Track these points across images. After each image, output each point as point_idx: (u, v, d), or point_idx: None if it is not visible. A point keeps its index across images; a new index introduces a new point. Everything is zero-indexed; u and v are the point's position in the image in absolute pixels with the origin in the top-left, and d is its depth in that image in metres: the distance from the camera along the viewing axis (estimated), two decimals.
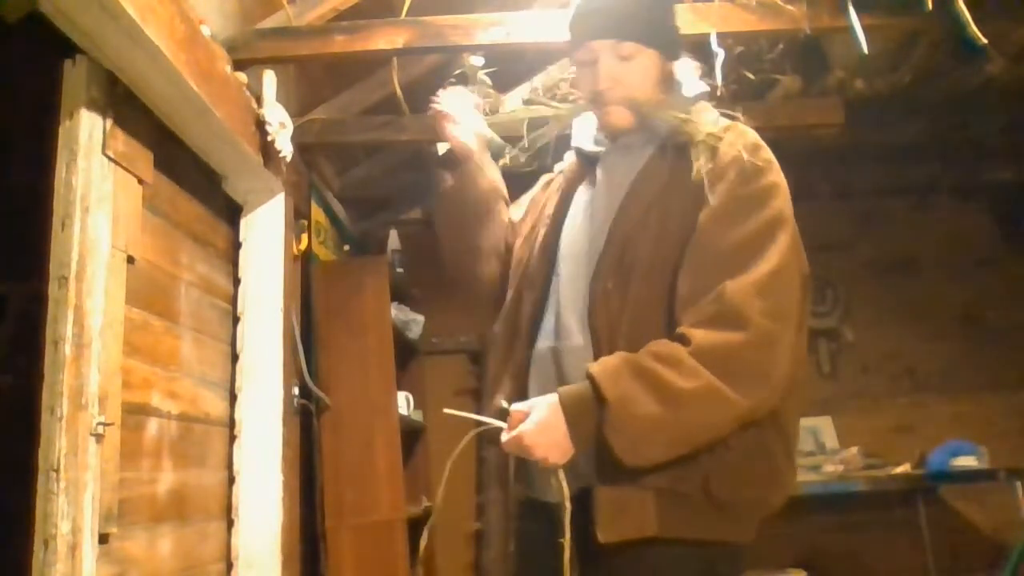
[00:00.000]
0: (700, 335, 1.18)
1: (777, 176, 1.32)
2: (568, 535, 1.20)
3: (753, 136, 1.36)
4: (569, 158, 1.59)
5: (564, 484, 1.21)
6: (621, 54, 1.39)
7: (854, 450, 3.57)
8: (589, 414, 1.18)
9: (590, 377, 1.20)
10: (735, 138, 1.34)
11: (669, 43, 1.43)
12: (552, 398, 1.22)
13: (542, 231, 1.48)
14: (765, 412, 1.23)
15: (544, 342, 1.37)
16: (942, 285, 4.02)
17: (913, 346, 3.96)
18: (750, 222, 1.25)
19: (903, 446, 3.67)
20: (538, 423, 1.20)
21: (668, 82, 1.44)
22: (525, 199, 1.65)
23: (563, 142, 1.63)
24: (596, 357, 1.25)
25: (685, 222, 1.28)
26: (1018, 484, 3.23)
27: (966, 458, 3.42)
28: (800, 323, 1.27)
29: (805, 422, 3.80)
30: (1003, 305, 3.99)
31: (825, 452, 3.71)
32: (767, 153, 1.34)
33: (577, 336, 1.32)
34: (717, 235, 1.25)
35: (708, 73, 2.60)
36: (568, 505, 1.21)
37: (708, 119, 1.40)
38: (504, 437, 1.24)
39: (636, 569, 1.22)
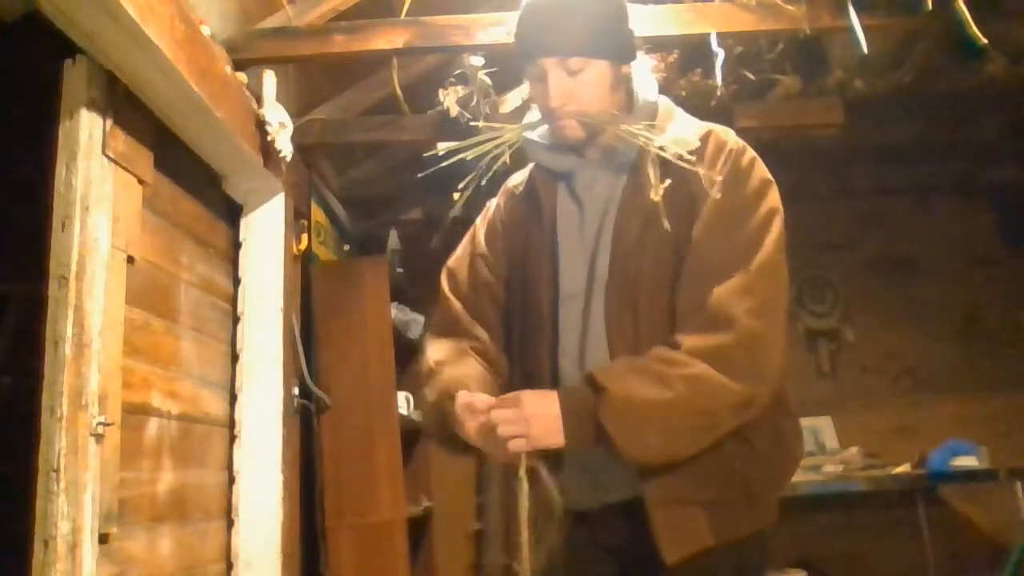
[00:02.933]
0: (689, 340, 1.21)
1: (763, 173, 1.32)
2: (525, 505, 1.21)
3: (734, 139, 1.35)
4: (524, 174, 1.52)
5: (522, 468, 1.21)
6: (570, 69, 1.33)
7: (854, 450, 3.57)
8: (585, 402, 1.18)
9: (588, 374, 1.21)
10: (717, 144, 1.33)
11: (619, 50, 1.37)
12: (550, 390, 1.24)
13: (537, 269, 1.40)
14: (760, 405, 1.24)
15: (568, 382, 1.32)
16: (942, 285, 4.01)
17: (913, 346, 3.96)
18: (742, 230, 1.26)
19: (903, 446, 3.66)
20: (532, 396, 1.21)
21: (623, 86, 1.40)
22: (484, 225, 1.54)
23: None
24: None
25: (680, 239, 1.28)
26: (1018, 484, 3.23)
27: (966, 458, 3.41)
28: (785, 341, 1.29)
29: (805, 422, 3.79)
30: (1003, 305, 3.99)
31: (825, 452, 3.71)
32: (750, 153, 1.34)
33: None
34: (710, 247, 1.26)
35: (708, 73, 2.63)
36: (524, 479, 1.21)
37: (681, 129, 1.36)
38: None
39: (682, 569, 1.25)
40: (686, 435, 1.21)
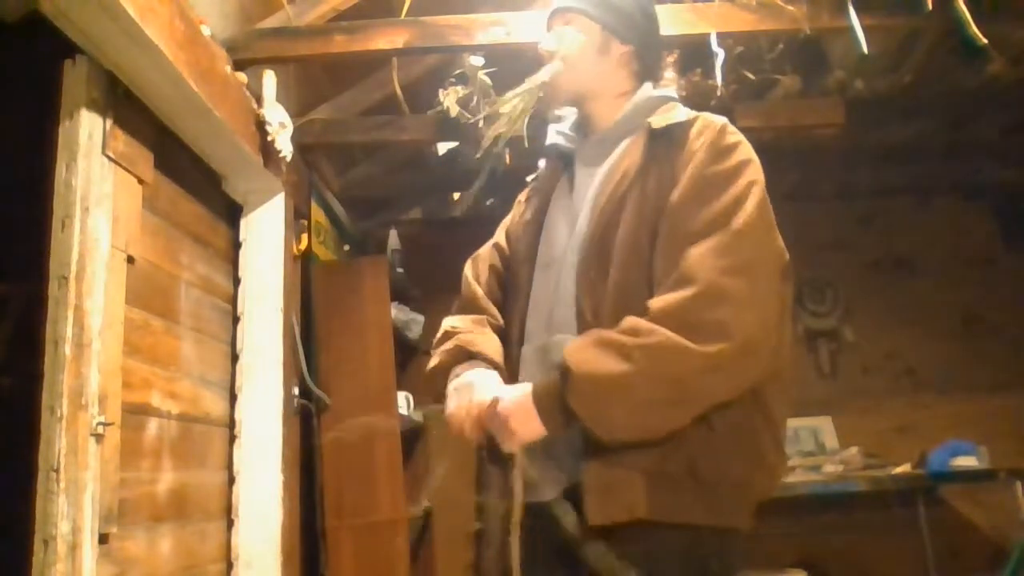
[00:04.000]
0: (656, 301, 1.22)
1: (746, 154, 1.34)
2: (516, 533, 1.26)
3: (721, 120, 1.39)
4: (542, 164, 1.63)
5: (519, 475, 1.27)
6: (566, 21, 1.49)
7: (854, 450, 3.57)
8: (554, 387, 1.22)
9: (561, 358, 1.24)
10: (704, 123, 1.38)
11: (615, 21, 1.48)
12: (528, 383, 1.29)
13: (525, 236, 1.51)
14: (735, 370, 1.21)
15: (533, 340, 1.40)
16: (942, 285, 4.01)
17: (913, 346, 3.96)
18: (719, 200, 1.27)
19: (903, 446, 3.67)
20: (511, 397, 1.27)
21: (622, 65, 1.49)
22: (507, 219, 1.65)
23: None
24: None
25: (659, 204, 1.31)
26: (1018, 484, 3.23)
27: (966, 458, 3.41)
28: (780, 297, 1.28)
29: (805, 422, 3.81)
30: (1003, 305, 3.99)
31: (825, 452, 3.71)
32: (736, 135, 1.37)
33: (564, 330, 1.34)
34: (687, 214, 1.28)
35: (708, 73, 2.63)
36: (519, 500, 1.26)
37: (674, 111, 1.44)
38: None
39: (627, 552, 1.22)
40: (654, 408, 1.20)
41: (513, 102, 1.57)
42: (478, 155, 1.94)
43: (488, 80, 2.72)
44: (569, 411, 1.20)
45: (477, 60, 2.68)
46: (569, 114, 1.58)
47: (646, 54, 1.52)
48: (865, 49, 2.30)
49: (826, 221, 4.04)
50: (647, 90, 1.49)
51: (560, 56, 1.48)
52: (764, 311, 1.23)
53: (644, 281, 1.28)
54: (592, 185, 1.41)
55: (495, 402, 1.28)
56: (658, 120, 1.40)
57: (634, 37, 1.50)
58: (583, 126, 1.52)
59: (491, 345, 1.43)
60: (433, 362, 1.46)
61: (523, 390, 1.27)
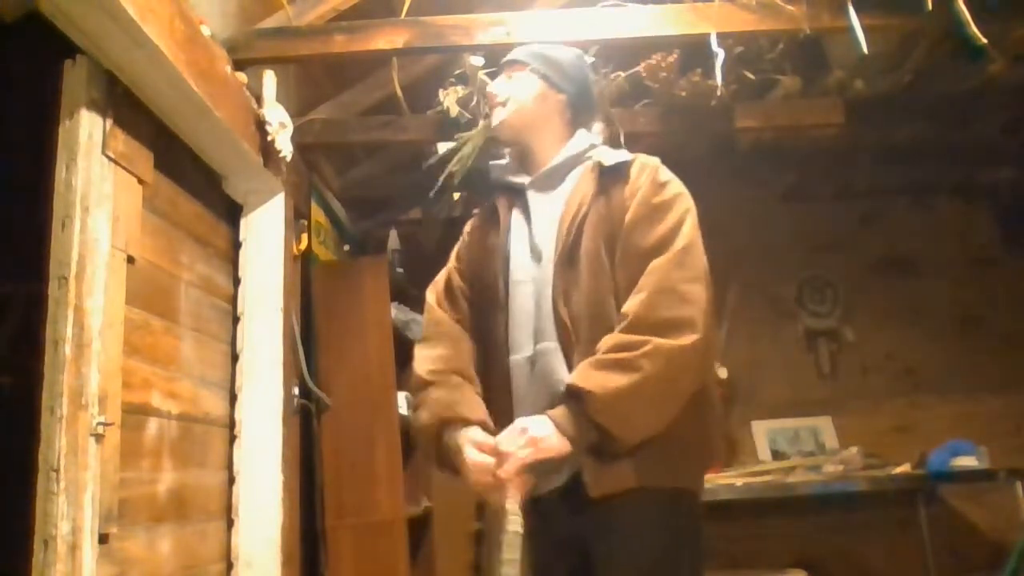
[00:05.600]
0: (630, 307, 1.48)
1: (679, 188, 1.63)
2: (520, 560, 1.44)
3: (655, 160, 1.68)
4: (491, 198, 1.82)
5: (519, 516, 1.45)
6: (512, 74, 1.77)
7: (854, 450, 3.56)
8: (573, 410, 1.43)
9: (568, 384, 1.45)
10: (642, 163, 1.66)
11: (556, 78, 1.74)
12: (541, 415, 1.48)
13: (490, 258, 1.70)
14: (708, 361, 1.56)
15: (520, 352, 1.60)
16: (942, 285, 4.01)
17: (913, 346, 3.95)
18: (664, 221, 1.56)
19: (903, 446, 3.66)
20: (533, 426, 1.46)
21: (559, 114, 1.74)
22: (458, 246, 1.85)
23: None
24: (565, 352, 1.53)
25: (614, 225, 1.58)
26: (1018, 484, 3.22)
27: (966, 458, 3.40)
28: (713, 305, 1.52)
29: (805, 422, 3.81)
30: (1003, 305, 3.98)
31: (825, 452, 3.70)
32: (668, 172, 1.66)
33: (547, 338, 1.56)
34: (640, 234, 1.56)
35: (708, 73, 2.63)
36: (520, 530, 1.45)
37: (611, 151, 1.70)
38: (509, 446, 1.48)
39: (620, 514, 1.46)
40: (662, 404, 1.46)
41: (468, 146, 1.77)
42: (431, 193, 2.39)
43: (488, 80, 2.72)
44: (596, 427, 1.42)
45: (477, 60, 2.68)
46: (509, 154, 1.81)
47: (579, 104, 1.77)
48: (865, 49, 2.30)
49: (826, 221, 4.03)
50: (581, 138, 1.74)
51: (504, 101, 1.73)
52: (711, 310, 1.50)
53: (609, 290, 1.54)
54: (551, 211, 1.65)
55: (522, 430, 1.46)
56: (606, 159, 1.66)
57: (568, 88, 1.75)
58: (527, 162, 1.75)
59: (471, 403, 1.59)
60: (419, 421, 1.62)
61: (540, 420, 1.46)
